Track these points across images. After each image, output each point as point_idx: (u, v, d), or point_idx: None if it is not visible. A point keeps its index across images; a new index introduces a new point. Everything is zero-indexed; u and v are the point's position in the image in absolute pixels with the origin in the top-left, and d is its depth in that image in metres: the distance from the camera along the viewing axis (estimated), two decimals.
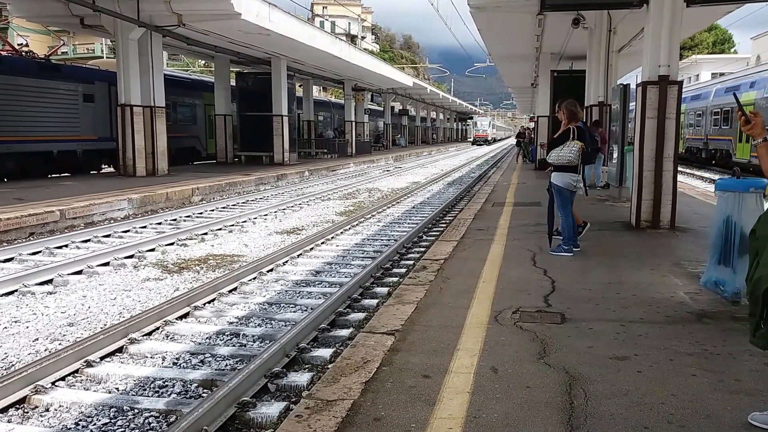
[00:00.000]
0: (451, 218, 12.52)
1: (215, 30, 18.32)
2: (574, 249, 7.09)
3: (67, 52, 39.46)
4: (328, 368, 4.60)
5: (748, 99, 24.43)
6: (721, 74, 37.79)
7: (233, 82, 26.09)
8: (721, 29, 61.30)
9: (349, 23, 74.88)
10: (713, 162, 29.31)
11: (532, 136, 27.82)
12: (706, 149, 29.98)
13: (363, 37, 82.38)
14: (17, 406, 4.00)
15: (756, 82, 24.36)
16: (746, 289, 2.86)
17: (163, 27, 17.23)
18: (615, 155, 13.55)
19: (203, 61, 41.23)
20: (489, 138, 77.09)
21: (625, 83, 13.33)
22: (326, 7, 75.79)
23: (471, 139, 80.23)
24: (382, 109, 47.62)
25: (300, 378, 4.40)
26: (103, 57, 39.43)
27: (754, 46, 50.58)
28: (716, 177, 24.56)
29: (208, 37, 19.35)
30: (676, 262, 6.61)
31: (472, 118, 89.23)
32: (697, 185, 19.82)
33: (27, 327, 5.61)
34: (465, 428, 2.89)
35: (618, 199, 12.47)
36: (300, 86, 31.33)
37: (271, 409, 3.91)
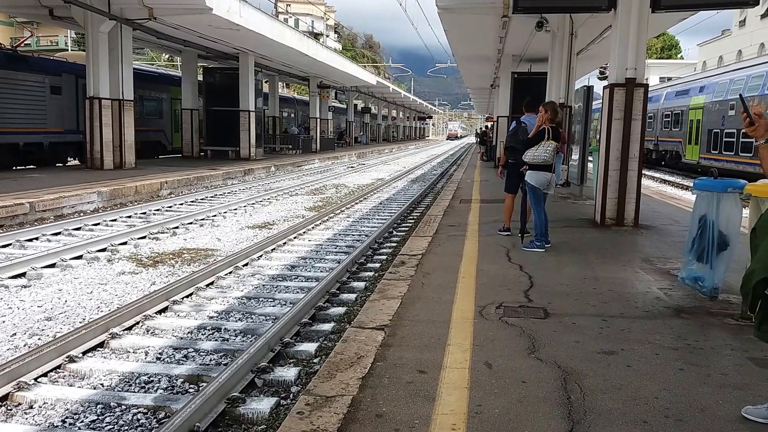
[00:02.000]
0: (418, 214, 12.64)
1: (185, 24, 18.10)
2: (545, 245, 7.25)
3: (30, 44, 38.11)
4: (314, 362, 4.62)
5: (697, 103, 25.39)
6: (669, 79, 39.10)
7: (200, 77, 25.74)
8: (668, 35, 63.17)
9: (313, 21, 74.24)
10: (663, 163, 30.31)
11: (490, 135, 28.27)
12: (657, 150, 30.98)
13: (327, 36, 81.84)
14: (0, 403, 3.88)
15: (705, 86, 25.30)
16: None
17: (134, 20, 16.94)
18: (575, 155, 13.88)
19: (167, 55, 40.41)
20: (458, 135, 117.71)
21: (588, 85, 13.64)
22: (290, 5, 74.98)
23: (445, 136, 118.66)
24: (345, 106, 47.55)
25: (287, 373, 4.37)
26: (67, 49, 38.25)
27: (701, 53, 52.58)
28: (668, 177, 25.51)
29: (178, 31, 19.06)
30: (645, 258, 6.81)
31: (431, 117, 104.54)
32: (649, 185, 20.47)
33: (3, 321, 5.43)
34: (468, 424, 2.91)
35: (579, 196, 12.80)
36: (266, 82, 31.06)
37: (261, 404, 3.88)
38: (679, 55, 65.76)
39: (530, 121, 7.89)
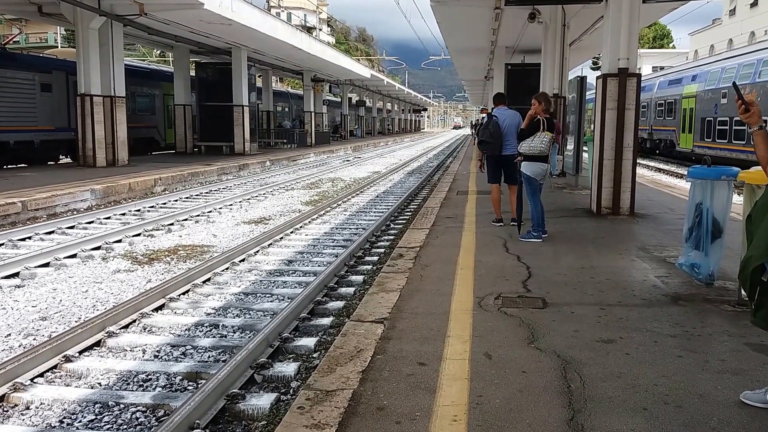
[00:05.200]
0: (415, 207, 12.62)
1: (177, 19, 17.97)
2: (542, 235, 7.25)
3: (18, 41, 37.85)
4: (314, 357, 4.61)
5: (690, 91, 25.41)
6: (662, 68, 39.13)
7: (193, 72, 25.60)
8: (660, 25, 63.07)
9: (305, 15, 73.81)
10: (657, 151, 30.37)
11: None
12: (651, 139, 31.02)
13: (320, 29, 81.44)
14: None
15: (697, 75, 25.31)
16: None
17: (124, 16, 16.84)
18: (570, 145, 13.88)
19: (159, 51, 40.16)
20: (460, 125, 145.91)
21: (582, 76, 13.64)
22: None
23: (451, 127, 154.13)
24: (339, 100, 47.36)
25: (286, 368, 4.35)
26: (57, 46, 37.96)
27: (692, 42, 52.62)
28: (662, 165, 25.56)
29: (169, 26, 18.94)
30: (641, 246, 6.82)
31: (426, 109, 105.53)
32: (644, 173, 20.50)
33: None
34: (469, 415, 2.90)
35: (575, 186, 12.81)
36: (259, 77, 30.92)
37: (261, 400, 3.86)
38: (671, 45, 65.68)
39: (501, 113, 7.96)
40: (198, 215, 11.18)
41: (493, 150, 7.95)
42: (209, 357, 4.66)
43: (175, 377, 4.25)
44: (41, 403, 3.85)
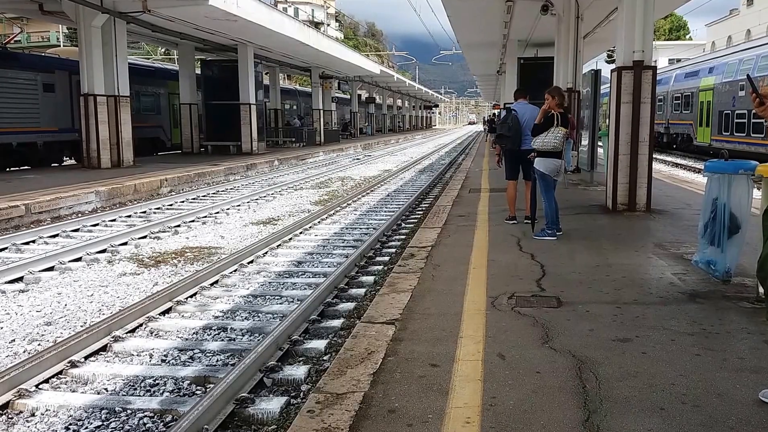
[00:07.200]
0: (426, 205, 12.52)
1: (181, 16, 17.84)
2: (557, 233, 7.12)
3: (20, 41, 38.11)
4: (324, 360, 4.53)
5: (707, 84, 25.03)
6: (678, 60, 38.67)
7: (198, 71, 25.52)
8: (676, 16, 62.52)
9: (313, 10, 73.76)
10: (674, 146, 30.00)
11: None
12: (668, 133, 30.65)
13: (328, 25, 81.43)
14: (0, 411, 3.79)
15: (715, 67, 24.93)
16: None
17: (128, 13, 16.75)
18: (584, 140, 13.71)
19: (164, 49, 40.30)
20: (474, 122, 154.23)
21: (596, 69, 13.45)
22: None
23: (465, 123, 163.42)
24: (348, 97, 47.30)
25: (296, 371, 4.28)
26: (59, 45, 38.20)
27: (709, 33, 52.02)
28: (679, 160, 25.24)
29: (173, 23, 18.81)
30: (658, 243, 6.69)
31: (437, 106, 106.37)
32: (661, 169, 20.23)
33: (2, 328, 5.34)
34: (483, 417, 2.83)
35: (590, 182, 12.66)
36: (266, 74, 30.89)
37: (271, 404, 3.79)
38: (687, 36, 65.03)
39: (521, 108, 7.85)
40: (205, 216, 11.11)
41: (511, 144, 7.81)
42: (217, 361, 4.60)
43: (182, 382, 4.19)
44: (46, 410, 3.80)
